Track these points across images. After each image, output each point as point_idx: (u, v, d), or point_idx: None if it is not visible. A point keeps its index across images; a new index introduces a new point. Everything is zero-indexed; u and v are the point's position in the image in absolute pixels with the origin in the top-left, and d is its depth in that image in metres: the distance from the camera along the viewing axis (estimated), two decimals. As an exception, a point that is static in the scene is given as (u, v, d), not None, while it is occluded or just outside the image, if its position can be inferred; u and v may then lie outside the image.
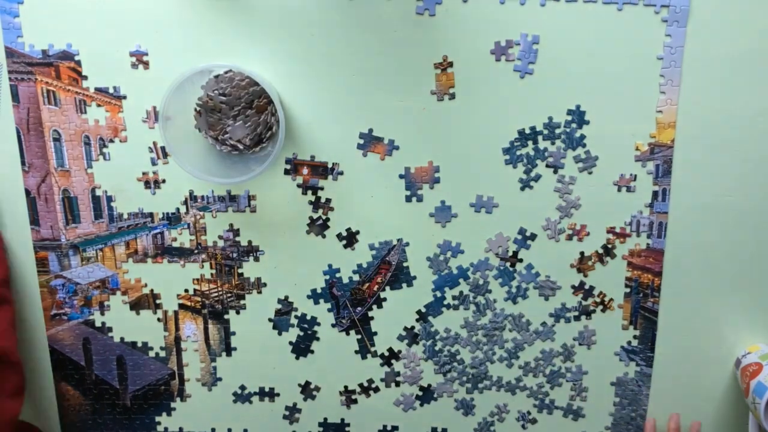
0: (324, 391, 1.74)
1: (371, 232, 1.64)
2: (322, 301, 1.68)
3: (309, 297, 1.68)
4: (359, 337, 1.70)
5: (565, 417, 1.74)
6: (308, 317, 1.69)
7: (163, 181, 1.62)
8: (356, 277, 1.66)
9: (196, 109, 1.53)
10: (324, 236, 1.64)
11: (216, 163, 1.55)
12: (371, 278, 1.66)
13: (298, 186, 1.61)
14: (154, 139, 1.59)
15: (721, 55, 1.51)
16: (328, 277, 1.66)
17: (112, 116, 1.59)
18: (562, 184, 1.59)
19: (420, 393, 1.74)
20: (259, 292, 1.69)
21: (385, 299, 1.68)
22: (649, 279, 1.63)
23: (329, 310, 1.69)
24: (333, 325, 1.69)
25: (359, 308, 1.68)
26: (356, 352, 1.71)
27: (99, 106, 1.58)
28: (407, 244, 1.64)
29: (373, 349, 1.71)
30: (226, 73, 1.50)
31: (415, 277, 1.66)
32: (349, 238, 1.64)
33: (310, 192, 1.61)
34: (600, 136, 1.56)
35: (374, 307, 1.68)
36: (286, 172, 1.61)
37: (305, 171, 1.60)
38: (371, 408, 1.75)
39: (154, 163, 1.61)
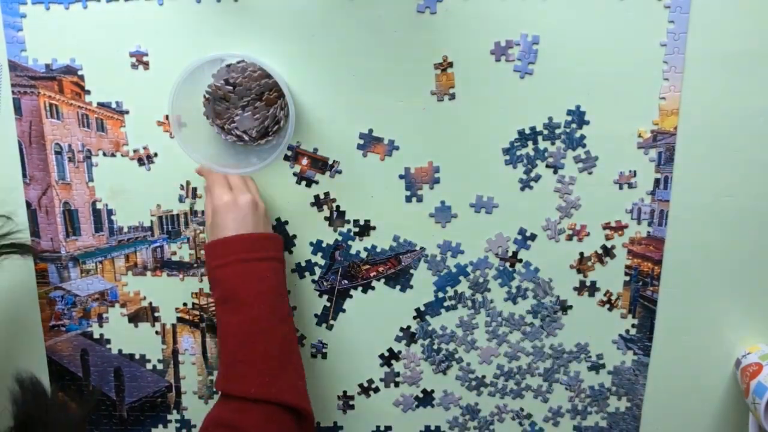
0: (323, 393, 1.65)
1: (371, 233, 1.56)
2: (320, 255, 1.57)
3: (311, 244, 1.57)
4: (328, 304, 1.61)
5: (567, 411, 1.65)
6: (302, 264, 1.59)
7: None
8: (364, 255, 1.58)
9: (205, 96, 1.45)
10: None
11: (216, 154, 1.47)
12: (375, 264, 1.57)
13: (294, 174, 1.53)
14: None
15: (724, 39, 1.43)
16: (341, 238, 1.56)
17: (114, 131, 1.51)
18: (562, 184, 1.50)
19: (421, 395, 1.64)
20: (258, 306, 1.59)
21: (373, 288, 1.59)
22: (648, 267, 1.55)
23: (320, 267, 1.58)
24: (313, 281, 1.59)
25: (346, 281, 1.58)
26: (315, 315, 1.61)
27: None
28: (426, 256, 1.56)
29: (331, 322, 1.61)
30: (238, 63, 1.43)
31: (412, 281, 1.58)
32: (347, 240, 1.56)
33: (312, 188, 1.54)
34: (600, 136, 1.48)
35: (359, 289, 1.59)
36: (286, 158, 1.52)
37: (305, 161, 1.52)
38: (371, 409, 1.66)
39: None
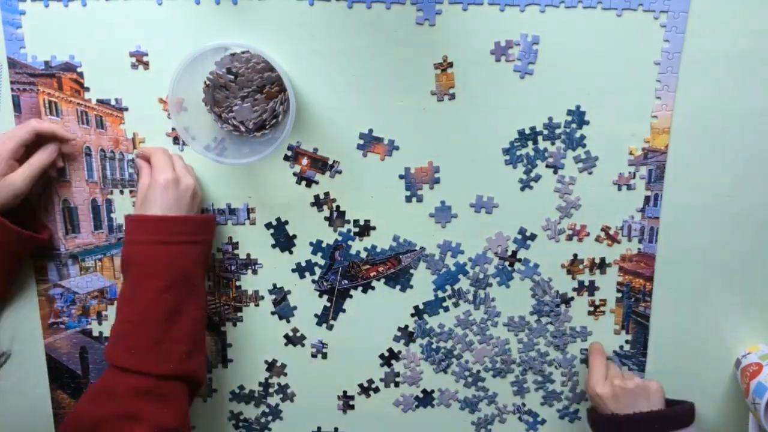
0: (323, 393, 1.63)
1: (371, 233, 1.54)
2: (320, 255, 1.56)
3: (310, 244, 1.55)
4: (328, 304, 1.59)
5: (561, 419, 1.64)
6: (304, 263, 1.58)
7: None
8: (364, 255, 1.56)
9: (205, 83, 1.44)
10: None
11: (212, 142, 1.47)
12: (375, 264, 1.56)
13: (294, 174, 1.51)
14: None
15: (718, 60, 1.43)
16: (340, 238, 1.55)
17: (114, 128, 1.49)
18: (562, 185, 1.49)
19: (421, 395, 1.63)
20: (257, 305, 1.58)
21: (373, 288, 1.57)
22: (640, 284, 1.55)
23: (320, 267, 1.57)
24: (313, 281, 1.58)
25: (346, 281, 1.57)
26: (315, 315, 1.59)
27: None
28: (426, 255, 1.55)
29: (331, 322, 1.59)
30: (243, 53, 1.41)
31: (412, 281, 1.56)
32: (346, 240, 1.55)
33: (312, 188, 1.52)
34: (600, 136, 1.47)
35: (359, 289, 1.57)
36: (286, 158, 1.51)
37: (305, 161, 1.50)
38: (371, 409, 1.64)
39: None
